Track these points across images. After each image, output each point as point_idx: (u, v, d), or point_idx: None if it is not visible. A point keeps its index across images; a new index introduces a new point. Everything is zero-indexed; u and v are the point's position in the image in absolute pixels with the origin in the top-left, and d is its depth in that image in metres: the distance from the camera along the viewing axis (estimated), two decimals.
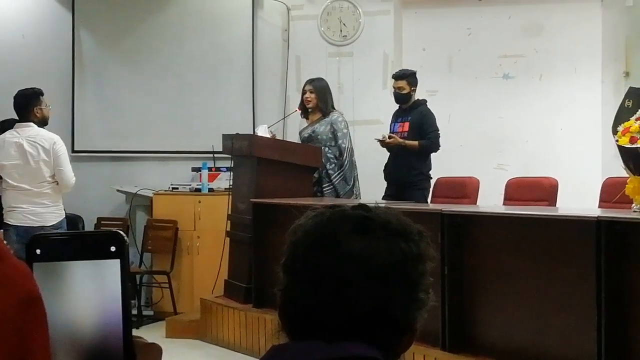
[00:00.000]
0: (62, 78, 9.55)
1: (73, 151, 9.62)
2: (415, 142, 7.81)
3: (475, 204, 7.34)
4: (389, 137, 7.89)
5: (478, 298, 5.42)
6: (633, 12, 8.39)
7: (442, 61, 9.13)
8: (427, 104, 8.02)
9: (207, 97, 9.50)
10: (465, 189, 7.56)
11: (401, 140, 7.84)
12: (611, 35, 8.65)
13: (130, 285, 1.05)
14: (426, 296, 1.48)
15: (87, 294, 1.16)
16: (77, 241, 1.18)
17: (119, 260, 1.17)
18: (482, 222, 5.55)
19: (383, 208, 1.53)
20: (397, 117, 8.08)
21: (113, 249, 1.17)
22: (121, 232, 1.19)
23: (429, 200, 7.75)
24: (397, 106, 8.14)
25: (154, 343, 1.27)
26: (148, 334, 7.98)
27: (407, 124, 7.92)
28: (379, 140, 7.91)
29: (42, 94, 7.17)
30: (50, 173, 7.03)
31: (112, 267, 1.17)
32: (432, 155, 7.94)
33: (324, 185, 8.03)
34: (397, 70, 8.14)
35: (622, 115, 5.21)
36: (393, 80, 8.04)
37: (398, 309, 1.44)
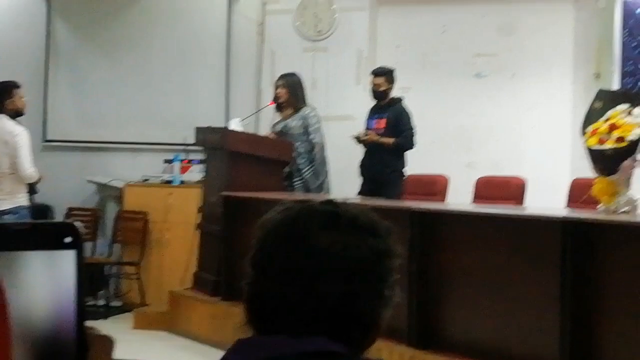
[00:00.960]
0: (36, 68, 9.50)
1: (45, 141, 9.60)
2: (391, 140, 7.83)
3: (445, 201, 7.37)
4: (365, 134, 7.91)
5: (445, 295, 5.45)
6: (605, 14, 8.44)
7: (416, 58, 9.13)
8: (403, 101, 8.05)
9: (181, 89, 9.47)
10: (435, 186, 7.58)
11: (377, 137, 7.86)
12: (583, 37, 8.70)
13: (85, 277, 1.02)
14: (392, 293, 1.49)
15: (40, 284, 1.14)
16: (30, 231, 1.15)
17: (74, 251, 1.16)
18: (450, 220, 5.59)
19: (351, 204, 1.54)
20: (374, 113, 8.10)
21: (68, 240, 1.15)
22: (77, 223, 1.18)
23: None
24: (371, 102, 8.16)
25: (106, 335, 1.27)
26: (116, 325, 7.98)
27: (383, 121, 7.94)
28: (355, 137, 7.94)
29: (15, 86, 7.21)
30: (9, 164, 7.09)
31: (66, 258, 1.15)
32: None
33: (295, 180, 8.05)
34: (376, 67, 8.16)
35: (591, 117, 5.26)
36: (372, 76, 8.06)
37: (364, 305, 1.45)
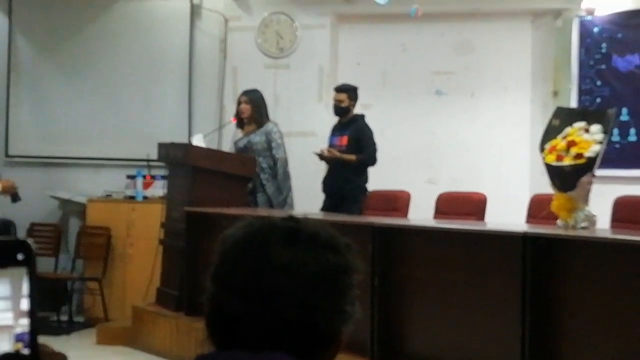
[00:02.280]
0: None
1: (7, 156, 9.52)
2: (353, 156, 7.84)
3: (407, 217, 7.38)
4: (328, 151, 7.92)
5: (407, 309, 5.45)
6: (562, 33, 8.51)
7: (377, 76, 9.16)
8: (365, 118, 8.07)
9: (143, 105, 9.41)
10: (396, 202, 7.59)
11: (339, 154, 7.87)
12: (540, 55, 8.77)
13: (38, 293, 1.00)
14: (352, 308, 1.48)
15: None
16: None
17: (26, 267, 1.14)
18: (412, 235, 5.59)
19: (312, 220, 1.53)
20: (336, 130, 8.11)
21: (20, 257, 1.13)
22: (29, 240, 1.16)
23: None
24: (334, 119, 8.17)
25: (59, 352, 1.25)
26: (79, 340, 7.92)
27: (345, 138, 7.96)
28: (317, 154, 7.94)
29: None
30: None
31: (19, 275, 1.13)
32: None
33: (258, 195, 8.04)
34: (340, 84, 8.18)
35: (549, 134, 5.29)
36: (334, 92, 8.07)
37: (324, 320, 1.44)
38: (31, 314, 1.15)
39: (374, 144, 7.93)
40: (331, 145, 8.05)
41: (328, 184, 8.08)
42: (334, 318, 1.45)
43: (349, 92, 8.01)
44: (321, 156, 7.96)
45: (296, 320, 1.41)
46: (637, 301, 4.26)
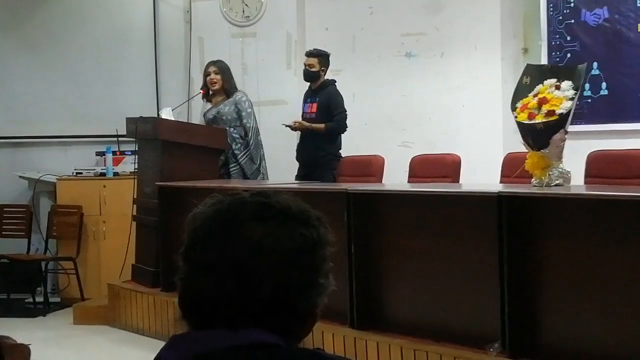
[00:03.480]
0: None
1: None
2: (322, 125, 7.84)
3: (381, 182, 7.40)
4: (297, 123, 7.91)
5: (385, 275, 5.47)
6: None
7: (346, 41, 9.12)
8: (336, 84, 8.05)
9: (110, 81, 9.34)
10: (370, 167, 7.60)
11: (307, 125, 7.87)
12: (509, 13, 8.76)
13: None
14: (326, 281, 1.48)
15: None
16: None
17: None
18: (387, 200, 5.60)
19: (282, 195, 1.53)
20: (307, 97, 8.12)
21: None
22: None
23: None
24: (304, 86, 8.16)
25: (21, 344, 1.25)
26: (55, 321, 7.90)
27: (315, 105, 7.96)
28: (287, 126, 7.94)
29: None
30: None
31: None
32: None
33: (231, 166, 8.03)
34: (311, 48, 8.15)
35: (520, 92, 5.30)
36: (305, 57, 8.05)
37: (298, 295, 1.44)
38: None
39: (343, 110, 7.93)
40: (304, 112, 8.05)
41: (301, 152, 8.10)
42: (308, 292, 1.46)
43: (320, 57, 7.99)
44: (291, 127, 7.96)
45: (270, 296, 1.41)
46: (614, 255, 4.30)
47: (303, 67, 8.08)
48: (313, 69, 7.97)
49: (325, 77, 8.07)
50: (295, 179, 7.92)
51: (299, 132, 8.11)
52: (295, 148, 8.14)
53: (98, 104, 9.29)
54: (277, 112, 8.42)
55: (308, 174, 7.85)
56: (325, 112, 7.90)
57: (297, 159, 8.12)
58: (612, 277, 4.30)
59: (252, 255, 1.42)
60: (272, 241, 1.43)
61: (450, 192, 5.46)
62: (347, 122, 7.91)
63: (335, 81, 8.08)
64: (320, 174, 7.72)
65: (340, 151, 7.98)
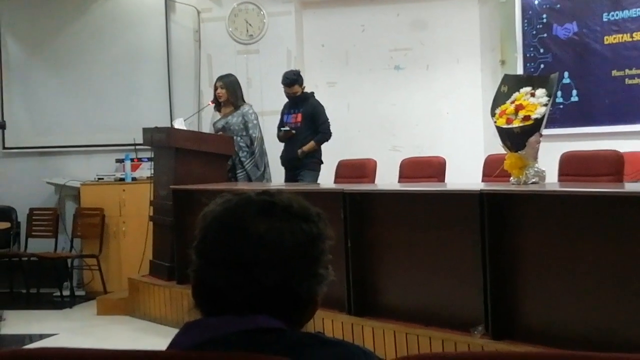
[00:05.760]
0: None
1: (4, 148, 9.46)
2: (312, 143, 7.87)
3: (374, 182, 7.38)
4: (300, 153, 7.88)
5: (378, 266, 5.46)
6: (506, 6, 8.54)
7: (340, 55, 9.14)
8: (317, 95, 8.10)
9: (127, 95, 9.35)
10: (364, 169, 7.58)
11: (300, 151, 7.87)
12: (487, 28, 8.77)
13: None
14: (326, 271, 1.48)
15: None
16: None
17: None
18: (379, 199, 5.59)
19: (285, 193, 1.52)
20: (289, 108, 8.10)
21: None
22: None
23: (332, 181, 7.78)
24: None
25: None
26: (81, 312, 7.90)
27: (299, 115, 7.98)
28: (287, 130, 7.94)
29: None
30: None
31: None
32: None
33: (238, 172, 8.04)
34: (284, 77, 7.99)
35: (499, 100, 5.28)
36: (285, 87, 7.97)
37: (300, 284, 1.44)
38: None
39: (326, 119, 7.96)
40: (287, 122, 8.04)
41: (284, 159, 8.12)
42: (309, 282, 1.45)
43: (298, 81, 7.95)
44: (289, 131, 7.92)
45: (274, 286, 1.41)
46: (584, 245, 4.30)
47: (287, 95, 8.00)
48: (298, 93, 7.96)
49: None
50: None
51: (281, 141, 8.09)
52: (280, 155, 8.12)
53: (117, 116, 9.29)
54: (279, 121, 8.41)
55: (292, 175, 7.94)
56: (309, 122, 7.92)
57: (282, 164, 8.12)
58: (582, 264, 4.30)
59: (257, 249, 1.42)
60: (275, 235, 1.43)
61: (436, 191, 5.45)
62: (330, 129, 7.93)
63: (314, 93, 8.09)
64: (303, 173, 7.85)
65: (321, 157, 8.00)
